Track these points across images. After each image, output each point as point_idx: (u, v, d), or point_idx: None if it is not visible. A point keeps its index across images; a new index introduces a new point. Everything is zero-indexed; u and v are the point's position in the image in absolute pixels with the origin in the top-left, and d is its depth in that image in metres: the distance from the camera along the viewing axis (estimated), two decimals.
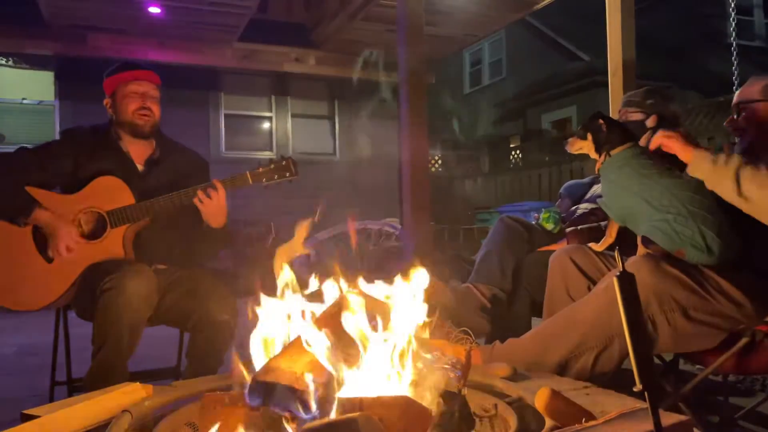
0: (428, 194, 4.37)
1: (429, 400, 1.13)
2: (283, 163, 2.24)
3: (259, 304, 1.24)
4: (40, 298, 2.06)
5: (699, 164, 1.65)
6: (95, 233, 2.12)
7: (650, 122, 2.37)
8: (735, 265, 1.61)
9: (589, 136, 1.89)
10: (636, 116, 2.39)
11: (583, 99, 13.34)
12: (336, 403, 1.05)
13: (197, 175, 2.28)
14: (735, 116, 1.88)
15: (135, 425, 1.21)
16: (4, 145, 9.22)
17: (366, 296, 1.19)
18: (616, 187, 1.82)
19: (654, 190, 1.70)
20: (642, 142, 1.94)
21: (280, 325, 1.24)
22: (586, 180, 2.94)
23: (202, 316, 2.07)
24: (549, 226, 2.76)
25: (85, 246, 2.09)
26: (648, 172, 1.73)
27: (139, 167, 2.28)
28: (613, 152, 1.83)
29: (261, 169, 2.22)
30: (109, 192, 2.15)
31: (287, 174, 2.24)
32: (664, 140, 1.74)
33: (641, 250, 1.78)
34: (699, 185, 1.65)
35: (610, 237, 1.93)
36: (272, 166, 2.23)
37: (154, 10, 6.58)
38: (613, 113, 3.84)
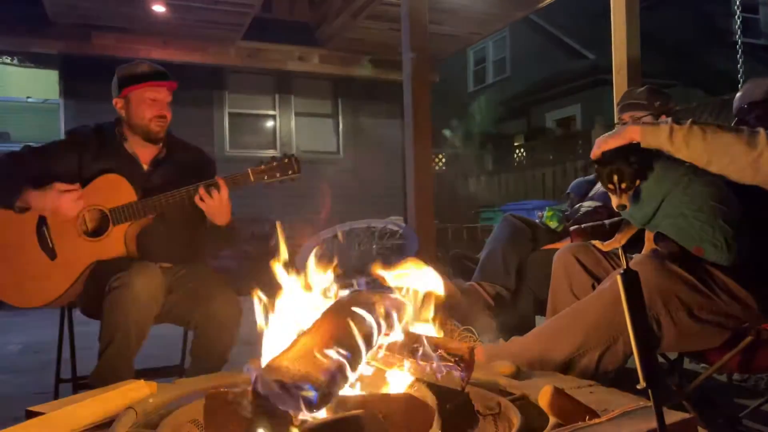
0: (432, 193, 4.37)
1: (432, 397, 1.13)
2: (286, 160, 2.22)
3: (262, 302, 1.25)
4: (43, 295, 2.07)
5: (655, 133, 1.58)
6: (98, 231, 2.13)
7: None
8: (741, 264, 1.60)
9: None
10: (647, 120, 2.37)
11: (588, 97, 13.31)
12: (339, 400, 1.05)
13: (203, 172, 2.26)
14: (741, 117, 1.87)
15: (139, 422, 1.21)
16: (8, 143, 9.27)
17: (371, 293, 1.19)
18: (646, 193, 1.75)
19: (677, 188, 1.66)
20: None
21: (284, 321, 1.24)
22: (590, 177, 2.93)
23: (206, 314, 2.08)
24: (553, 225, 2.75)
25: (87, 243, 2.09)
26: (672, 173, 1.66)
27: (145, 167, 2.28)
28: None
29: (263, 167, 2.21)
30: (112, 190, 2.15)
31: (290, 172, 2.22)
32: (602, 144, 1.67)
33: (647, 248, 1.77)
34: (717, 181, 1.61)
35: (617, 242, 1.89)
36: (274, 163, 2.21)
37: (159, 8, 6.59)
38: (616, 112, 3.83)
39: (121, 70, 2.26)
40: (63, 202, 2.04)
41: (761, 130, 1.50)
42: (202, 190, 2.12)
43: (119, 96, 2.23)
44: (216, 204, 2.13)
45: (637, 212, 1.71)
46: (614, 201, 1.69)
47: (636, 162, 1.64)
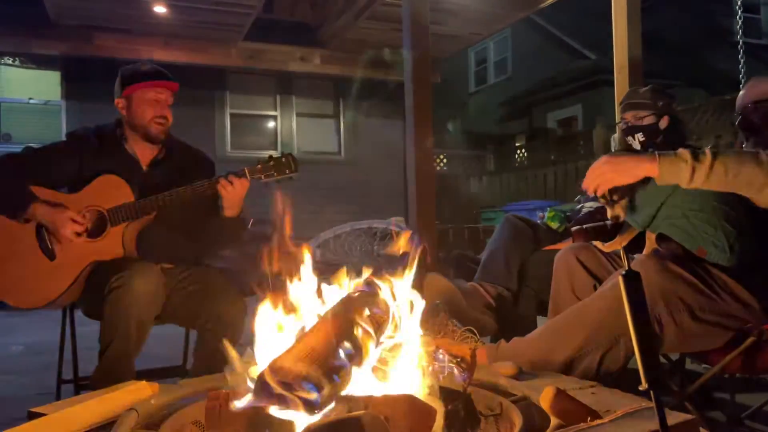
0: (433, 193, 4.36)
1: (434, 399, 1.13)
2: (283, 159, 2.20)
3: (263, 302, 1.25)
4: (43, 295, 2.07)
5: (673, 173, 1.43)
6: (97, 231, 2.13)
7: (663, 124, 2.34)
8: (743, 264, 1.60)
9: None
10: (649, 119, 2.36)
11: (589, 97, 13.31)
12: (341, 401, 1.05)
13: (201, 173, 2.26)
14: (746, 116, 1.87)
15: (141, 423, 1.21)
16: (10, 144, 9.27)
17: (373, 294, 1.19)
18: (645, 197, 1.71)
19: (678, 189, 1.63)
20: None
21: (285, 323, 1.24)
22: None
23: (211, 314, 2.08)
24: (554, 225, 2.75)
25: (85, 244, 2.09)
26: None
27: (144, 168, 2.28)
28: None
29: (260, 166, 2.20)
30: (110, 190, 2.15)
31: (287, 171, 2.21)
32: (609, 179, 1.50)
33: (648, 248, 1.77)
34: None
35: (618, 244, 1.88)
36: (271, 162, 2.20)
37: (160, 9, 6.60)
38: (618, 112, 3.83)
39: (125, 71, 2.27)
40: (67, 229, 2.04)
41: None
42: (223, 181, 2.13)
43: (121, 96, 2.24)
44: (237, 194, 2.15)
45: (639, 215, 1.70)
46: (609, 212, 1.65)
47: None
